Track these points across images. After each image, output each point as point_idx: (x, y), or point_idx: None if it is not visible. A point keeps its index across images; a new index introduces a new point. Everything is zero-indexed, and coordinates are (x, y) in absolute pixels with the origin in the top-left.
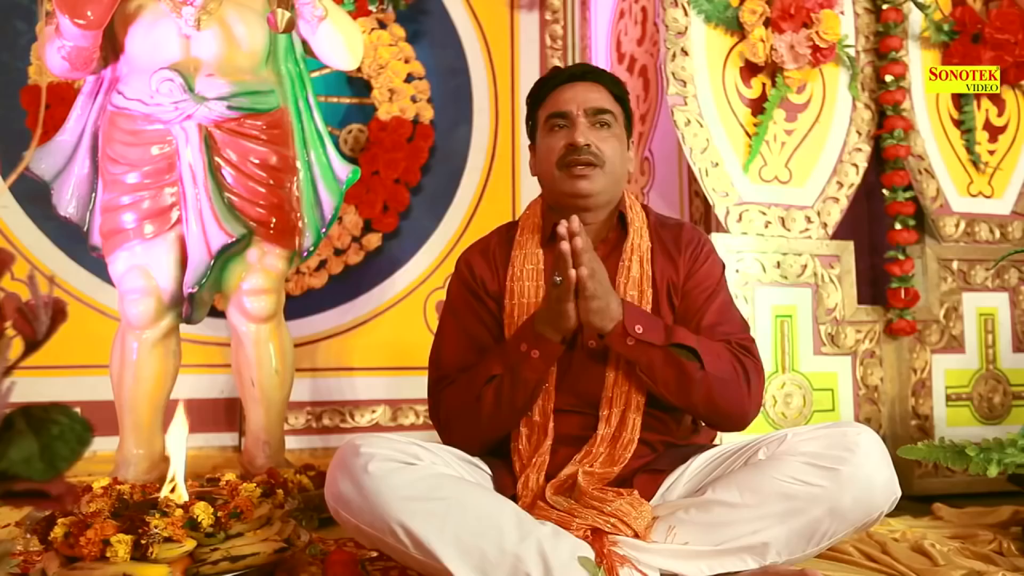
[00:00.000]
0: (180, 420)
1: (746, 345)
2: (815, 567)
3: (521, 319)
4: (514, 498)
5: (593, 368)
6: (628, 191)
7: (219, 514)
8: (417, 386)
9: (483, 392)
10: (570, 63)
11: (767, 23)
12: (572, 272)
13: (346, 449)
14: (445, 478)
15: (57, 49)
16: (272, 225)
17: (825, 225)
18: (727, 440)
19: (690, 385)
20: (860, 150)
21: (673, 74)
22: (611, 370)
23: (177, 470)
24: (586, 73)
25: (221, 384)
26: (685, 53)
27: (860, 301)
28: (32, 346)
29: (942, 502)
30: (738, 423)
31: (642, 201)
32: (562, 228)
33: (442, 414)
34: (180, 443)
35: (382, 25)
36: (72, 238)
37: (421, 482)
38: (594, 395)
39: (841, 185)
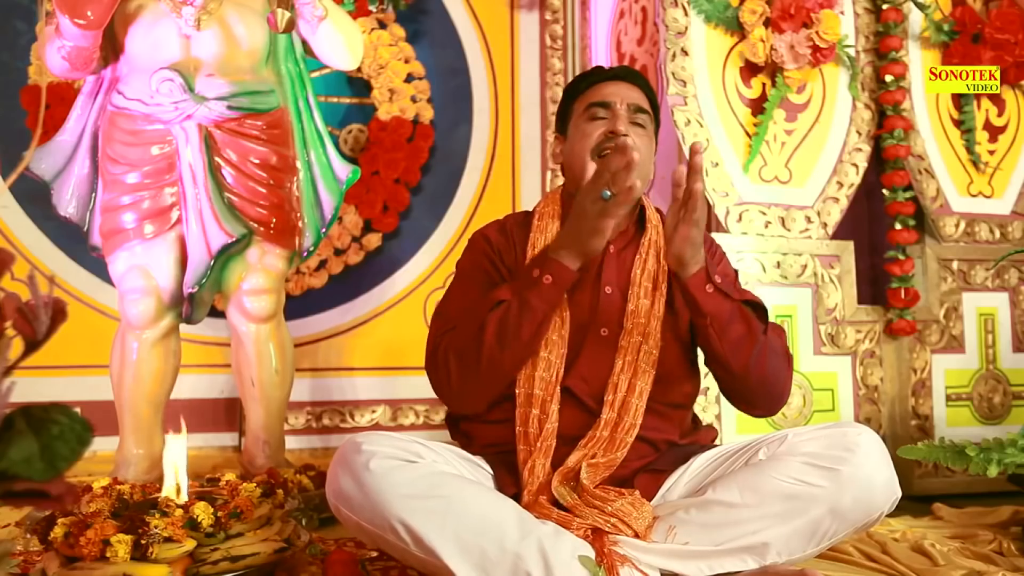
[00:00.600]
0: (180, 439)
1: (779, 332)
2: (815, 567)
3: None
4: (515, 497)
5: (602, 355)
6: (646, 196)
7: (219, 514)
8: (417, 386)
9: (487, 320)
10: (570, 63)
11: (767, 23)
12: (698, 186)
13: (347, 446)
14: (446, 476)
15: (57, 49)
16: (272, 225)
17: (825, 225)
18: (728, 440)
19: (752, 345)
20: (860, 150)
21: (673, 74)
22: (619, 358)
23: (179, 476)
24: (629, 74)
25: (221, 384)
26: (685, 53)
27: (860, 301)
28: (32, 346)
29: (942, 502)
30: (776, 403)
31: None
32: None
33: (439, 355)
34: (180, 453)
35: (382, 25)
36: (72, 238)
37: (422, 480)
38: (600, 381)
39: (841, 185)
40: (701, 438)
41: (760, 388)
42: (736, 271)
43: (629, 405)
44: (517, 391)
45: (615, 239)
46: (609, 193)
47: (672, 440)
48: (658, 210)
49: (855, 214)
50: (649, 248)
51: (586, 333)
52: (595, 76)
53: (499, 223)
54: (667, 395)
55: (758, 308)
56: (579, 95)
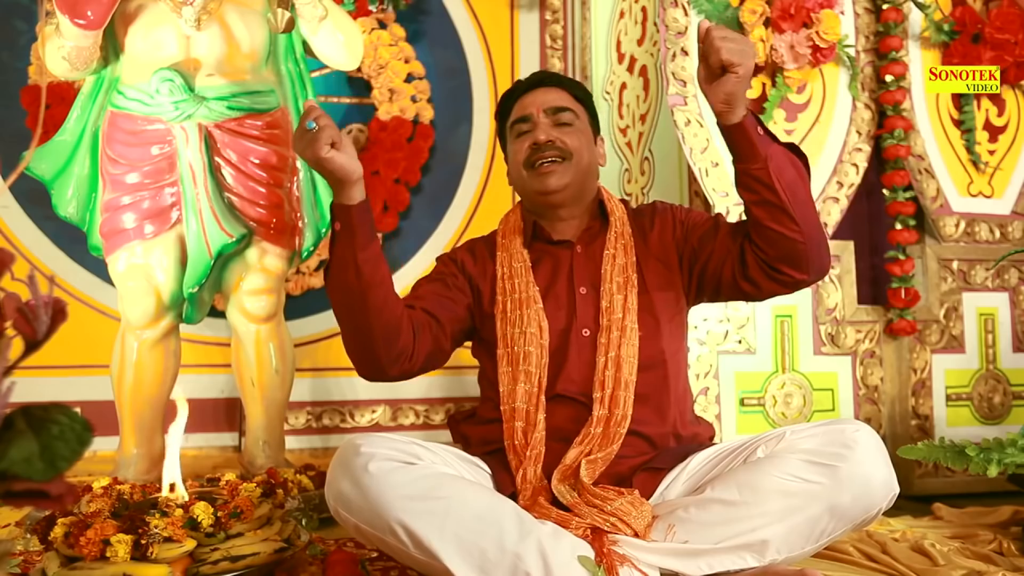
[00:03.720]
0: (180, 416)
1: None
2: (815, 567)
3: (514, 313)
4: (513, 496)
5: (585, 355)
6: (604, 187)
7: (219, 514)
8: (417, 386)
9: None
10: (570, 63)
11: (767, 23)
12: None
13: (346, 448)
14: (445, 477)
15: (57, 49)
16: (272, 225)
17: (825, 225)
18: (727, 439)
19: (805, 188)
20: (860, 150)
21: (673, 74)
22: (601, 355)
23: (174, 471)
24: (544, 79)
25: (221, 384)
26: (685, 53)
27: (860, 301)
28: (32, 346)
29: (942, 502)
30: (825, 258)
31: (642, 202)
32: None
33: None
34: (176, 438)
35: (382, 25)
36: (72, 238)
37: (421, 481)
38: (588, 379)
39: (841, 185)
40: (700, 434)
41: (814, 238)
42: (717, 215)
43: (617, 398)
44: (502, 408)
45: (579, 237)
46: (314, 124)
47: (670, 434)
48: (622, 200)
49: (855, 214)
50: (616, 241)
51: (568, 335)
52: (515, 92)
53: (468, 243)
54: (653, 382)
55: (797, 151)
56: (506, 117)
